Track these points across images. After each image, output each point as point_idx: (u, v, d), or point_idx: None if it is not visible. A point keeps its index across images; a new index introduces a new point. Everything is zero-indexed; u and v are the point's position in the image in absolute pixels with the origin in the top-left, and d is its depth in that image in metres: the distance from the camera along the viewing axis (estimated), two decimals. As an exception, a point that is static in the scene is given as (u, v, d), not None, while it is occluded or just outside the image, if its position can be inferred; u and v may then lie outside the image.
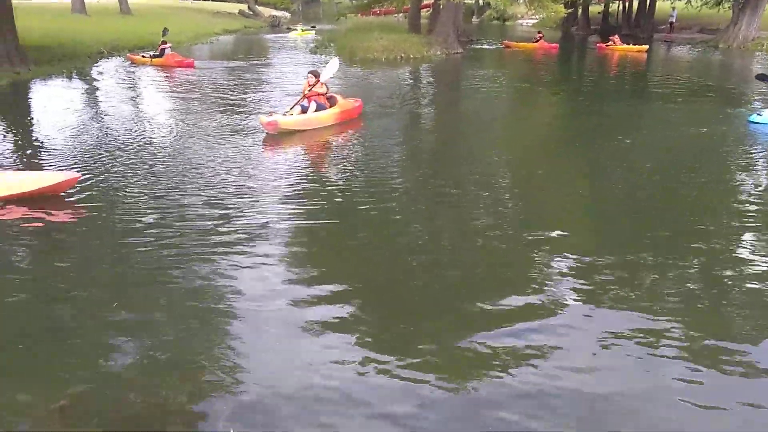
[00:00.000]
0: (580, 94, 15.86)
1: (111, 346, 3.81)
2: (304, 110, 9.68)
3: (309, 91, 9.91)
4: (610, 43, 26.64)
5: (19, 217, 5.83)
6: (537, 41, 27.47)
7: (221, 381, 3.50)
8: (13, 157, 8.28)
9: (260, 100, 13.31)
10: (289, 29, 38.44)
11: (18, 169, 7.05)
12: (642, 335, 4.01)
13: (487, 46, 29.70)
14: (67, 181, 6.28)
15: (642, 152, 9.14)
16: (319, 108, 9.77)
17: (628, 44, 26.69)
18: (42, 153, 8.51)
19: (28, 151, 8.68)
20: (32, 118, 11.54)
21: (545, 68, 22.04)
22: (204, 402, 3.33)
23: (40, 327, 4.07)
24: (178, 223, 5.74)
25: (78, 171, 6.84)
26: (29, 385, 3.46)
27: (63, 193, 6.33)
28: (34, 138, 9.63)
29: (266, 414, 3.24)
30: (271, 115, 9.28)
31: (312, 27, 38.02)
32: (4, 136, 9.68)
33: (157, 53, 19.34)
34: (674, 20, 34.64)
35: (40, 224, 5.73)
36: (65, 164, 7.77)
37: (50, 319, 4.17)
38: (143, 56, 19.61)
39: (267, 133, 9.22)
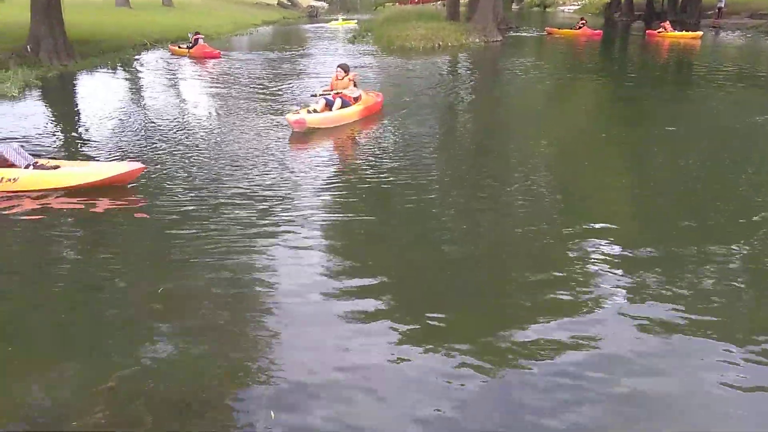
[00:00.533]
0: (624, 82, 15.41)
1: (156, 330, 3.91)
2: (329, 105, 9.49)
3: (336, 85, 9.77)
4: (660, 29, 25.58)
5: (74, 207, 6.02)
6: (579, 28, 26.83)
7: (260, 367, 3.55)
8: (62, 147, 8.55)
9: (296, 90, 13.39)
10: (331, 19, 38.30)
11: (66, 159, 7.23)
12: (686, 330, 3.89)
13: (527, 34, 29.22)
14: (134, 172, 6.37)
15: (690, 141, 8.86)
16: (345, 104, 9.57)
17: (680, 30, 25.58)
18: (87, 142, 8.77)
19: (75, 141, 8.96)
20: (78, 109, 11.92)
21: (588, 56, 21.49)
22: (244, 386, 3.39)
23: (90, 311, 4.20)
24: (218, 213, 5.83)
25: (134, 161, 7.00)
26: (81, 365, 3.58)
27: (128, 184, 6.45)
28: (79, 128, 9.94)
29: (303, 400, 3.27)
30: (297, 113, 9.11)
31: (346, 17, 37.98)
32: (54, 126, 10.00)
33: (191, 44, 20.01)
34: (723, 5, 33.36)
35: (92, 213, 5.90)
36: (111, 154, 7.99)
37: (100, 303, 4.30)
38: (179, 47, 20.28)
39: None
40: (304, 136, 8.90)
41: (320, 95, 9.66)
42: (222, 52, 20.07)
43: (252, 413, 3.17)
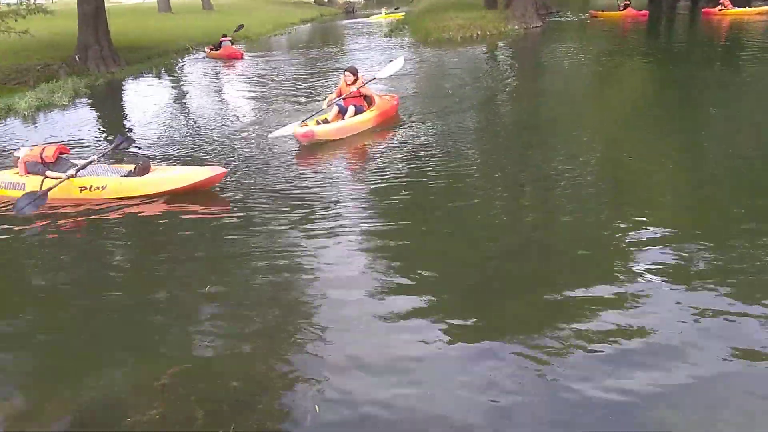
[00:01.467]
0: (672, 64, 14.92)
1: (206, 327, 4.01)
2: (342, 112, 8.73)
3: (348, 91, 8.97)
4: (719, 6, 23.96)
5: (147, 213, 6.22)
6: (623, 8, 26.00)
7: (307, 363, 3.60)
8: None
9: (330, 85, 13.45)
10: (372, 14, 38.02)
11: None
12: (737, 326, 3.75)
13: (569, 18, 28.54)
14: (217, 176, 6.40)
15: (745, 125, 8.52)
16: (358, 111, 8.80)
17: (743, 7, 23.82)
18: (137, 145, 9.02)
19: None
20: (125, 115, 12.30)
21: (633, 39, 20.76)
22: (292, 382, 3.44)
23: (143, 310, 4.33)
24: (266, 213, 5.94)
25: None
26: (136, 363, 3.71)
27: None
28: (127, 133, 10.21)
29: (348, 394, 3.30)
30: (305, 125, 8.27)
31: (396, 8, 37.62)
32: (103, 133, 10.33)
33: (216, 46, 20.71)
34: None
35: (171, 216, 6.08)
36: (158, 159, 8.20)
37: (154, 303, 4.43)
38: (211, 50, 20.93)
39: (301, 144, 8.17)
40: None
41: (334, 102, 8.90)
42: (264, 52, 20.51)
43: (300, 408, 3.22)
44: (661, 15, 28.58)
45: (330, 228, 5.44)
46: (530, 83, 13.05)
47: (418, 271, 4.60)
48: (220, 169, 6.49)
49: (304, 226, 5.52)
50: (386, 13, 35.51)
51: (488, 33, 21.71)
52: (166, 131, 9.96)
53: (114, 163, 7.14)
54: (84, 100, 13.41)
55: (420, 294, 4.26)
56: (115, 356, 3.81)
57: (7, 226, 5.93)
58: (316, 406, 3.19)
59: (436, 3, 30.00)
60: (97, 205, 6.29)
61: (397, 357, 3.58)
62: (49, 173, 6.46)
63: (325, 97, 9.43)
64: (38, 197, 6.08)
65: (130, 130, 10.44)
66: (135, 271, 5.02)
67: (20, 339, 4.08)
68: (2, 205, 6.49)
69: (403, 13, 34.72)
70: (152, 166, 6.64)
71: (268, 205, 6.12)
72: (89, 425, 3.23)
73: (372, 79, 9.41)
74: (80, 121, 11.11)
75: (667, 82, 12.52)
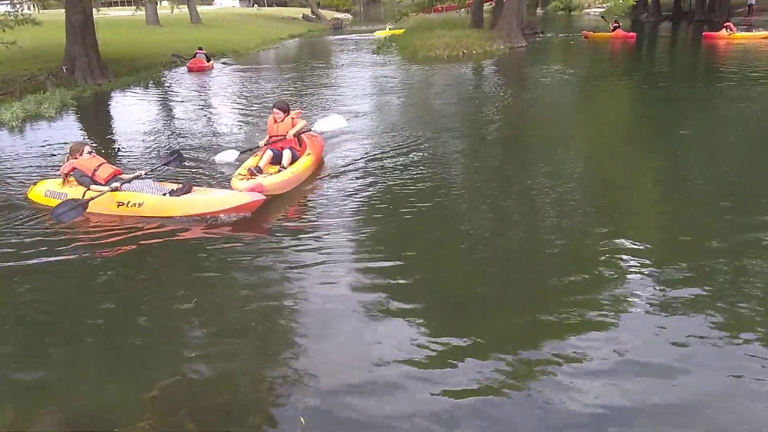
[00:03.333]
0: (659, 87, 15.26)
1: (195, 341, 4.06)
2: (277, 159, 7.47)
3: (276, 129, 7.77)
4: (723, 30, 23.75)
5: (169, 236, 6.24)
6: (613, 30, 26.61)
7: (295, 373, 3.67)
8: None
9: (318, 102, 13.59)
10: (377, 29, 37.91)
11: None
12: (720, 339, 3.90)
13: (552, 38, 29.03)
14: (255, 202, 6.13)
15: (723, 147, 8.77)
16: (295, 157, 7.53)
17: (749, 31, 23.87)
18: (120, 161, 9.05)
19: (109, 159, 9.24)
20: (112, 128, 12.31)
21: (617, 60, 21.19)
22: (280, 392, 3.52)
23: (133, 326, 4.37)
24: (248, 224, 6.02)
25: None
26: (127, 376, 3.76)
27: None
28: (113, 146, 10.22)
29: (335, 404, 3.39)
30: (251, 177, 6.88)
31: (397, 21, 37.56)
32: (90, 142, 10.26)
33: (189, 58, 21.32)
34: (754, 2, 32.81)
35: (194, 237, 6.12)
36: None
37: (143, 317, 4.47)
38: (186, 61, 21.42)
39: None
40: (338, 149, 8.95)
41: (265, 145, 7.66)
42: (253, 66, 21.02)
43: (286, 420, 3.28)
44: (649, 37, 29.21)
45: (317, 245, 5.52)
46: (514, 102, 13.28)
47: (405, 287, 4.70)
48: (259, 196, 6.19)
49: (292, 243, 5.59)
50: (390, 29, 35.55)
51: (474, 52, 22.07)
52: (152, 144, 10.00)
53: (161, 180, 7.04)
54: (71, 112, 13.40)
55: (407, 309, 4.35)
56: (105, 368, 3.85)
57: (41, 233, 5.94)
58: (302, 418, 3.26)
59: (423, 21, 30.38)
60: (131, 221, 6.19)
61: (383, 371, 3.66)
62: (93, 187, 6.41)
63: (264, 136, 8.09)
64: (77, 206, 6.08)
65: (116, 142, 10.47)
66: (130, 288, 5.04)
67: (12, 349, 4.11)
68: (41, 213, 6.46)
69: (405, 30, 34.96)
70: (193, 187, 6.52)
71: (249, 217, 6.20)
72: (78, 436, 3.26)
73: (307, 130, 8.06)
74: (67, 133, 11.10)
75: (650, 102, 12.83)
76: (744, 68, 16.34)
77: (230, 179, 7.10)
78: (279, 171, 7.21)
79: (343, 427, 3.23)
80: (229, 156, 7.84)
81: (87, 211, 6.21)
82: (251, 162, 7.51)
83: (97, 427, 3.29)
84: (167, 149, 9.42)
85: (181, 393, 3.52)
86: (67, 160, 6.67)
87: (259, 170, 7.17)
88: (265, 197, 6.25)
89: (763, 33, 23.57)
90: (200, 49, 21.44)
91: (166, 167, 7.35)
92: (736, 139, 9.08)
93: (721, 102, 12.07)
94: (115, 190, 6.34)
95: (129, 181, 6.49)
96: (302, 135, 7.92)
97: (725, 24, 24.66)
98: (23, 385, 3.73)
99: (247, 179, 6.83)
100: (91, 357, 3.99)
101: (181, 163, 7.66)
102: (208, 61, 21.25)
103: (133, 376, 3.74)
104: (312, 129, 8.29)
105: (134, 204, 6.30)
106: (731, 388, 3.43)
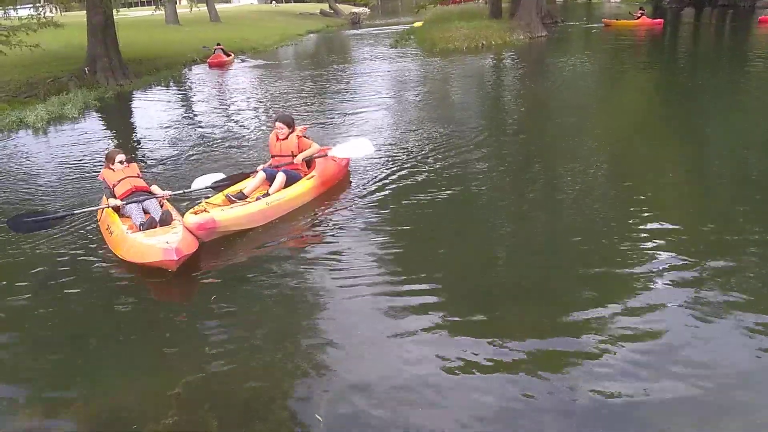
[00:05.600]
0: (684, 75, 14.96)
1: (218, 341, 4.08)
2: (270, 179, 6.43)
3: (279, 148, 6.73)
4: None
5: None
6: (638, 18, 25.84)
7: (313, 375, 3.66)
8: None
9: (335, 103, 13.58)
10: (414, 21, 37.61)
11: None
12: (743, 330, 3.81)
13: (573, 28, 28.62)
14: (167, 261, 4.88)
15: (753, 135, 8.57)
16: (291, 179, 6.45)
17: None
18: (144, 161, 9.14)
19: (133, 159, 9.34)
20: (134, 128, 12.47)
21: (640, 49, 20.75)
22: (301, 390, 3.52)
23: (158, 324, 4.41)
24: (272, 223, 6.01)
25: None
26: (152, 372, 3.80)
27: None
28: (136, 146, 10.32)
29: (355, 401, 3.37)
30: (202, 211, 5.58)
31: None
32: (113, 146, 10.41)
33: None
34: (780, -15, 31.93)
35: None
36: (165, 174, 8.32)
37: (166, 317, 4.52)
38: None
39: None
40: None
41: (261, 168, 6.62)
42: (271, 62, 21.65)
43: (307, 416, 3.28)
44: (667, 24, 28.59)
45: (333, 241, 5.51)
46: (535, 93, 13.13)
47: (426, 282, 4.66)
48: (171, 255, 4.81)
49: (311, 242, 5.60)
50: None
51: (493, 43, 21.84)
52: (167, 145, 10.05)
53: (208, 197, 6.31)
54: (94, 112, 13.58)
55: (428, 305, 4.32)
56: (131, 365, 3.90)
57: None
58: (317, 416, 3.25)
59: (442, 13, 30.20)
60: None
61: (401, 372, 3.62)
62: (111, 200, 5.85)
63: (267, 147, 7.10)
64: (45, 219, 5.65)
65: (139, 143, 10.57)
66: (149, 288, 5.09)
67: (36, 343, 4.19)
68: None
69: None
70: (166, 222, 5.49)
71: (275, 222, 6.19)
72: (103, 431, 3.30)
73: (323, 155, 6.89)
74: (90, 134, 11.25)
75: (676, 91, 12.57)
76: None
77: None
78: (257, 199, 6.05)
79: (361, 426, 3.20)
80: (206, 180, 6.65)
81: (102, 226, 5.77)
82: (238, 187, 6.43)
83: (120, 422, 3.33)
84: (188, 147, 9.47)
85: (204, 390, 3.54)
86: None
87: (242, 196, 6.16)
88: (176, 258, 4.81)
89: None
90: (218, 45, 22.47)
91: (212, 188, 6.52)
92: (764, 128, 8.86)
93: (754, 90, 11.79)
94: (116, 209, 5.77)
95: (131, 202, 5.73)
96: (314, 154, 6.83)
97: None
98: (46, 380, 3.79)
99: (201, 212, 5.54)
100: (115, 356, 4.03)
101: (218, 187, 6.50)
102: (228, 56, 22.28)
103: (156, 374, 3.77)
104: (328, 153, 6.91)
105: (108, 230, 5.58)
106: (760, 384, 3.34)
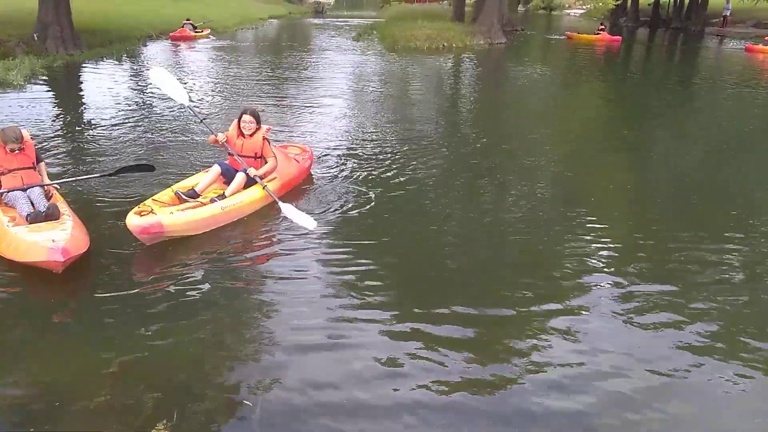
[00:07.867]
0: (633, 89, 15.54)
1: (160, 322, 4.04)
2: (228, 178, 5.87)
3: (241, 146, 6.03)
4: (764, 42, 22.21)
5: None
6: (598, 33, 26.58)
7: (253, 364, 3.72)
8: (64, 141, 8.67)
9: (296, 93, 13.51)
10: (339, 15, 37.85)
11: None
12: (677, 326, 4.12)
13: (532, 36, 29.23)
14: (51, 262, 4.34)
15: (694, 149, 9.06)
16: (251, 181, 5.87)
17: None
18: (89, 137, 8.88)
19: (77, 135, 9.06)
20: (82, 101, 11.99)
21: (596, 63, 21.29)
22: (237, 378, 3.54)
23: (95, 304, 4.35)
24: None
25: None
26: (84, 352, 3.74)
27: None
28: (81, 121, 9.95)
29: (297, 396, 3.41)
30: (148, 212, 5.02)
31: None
32: (56, 119, 9.99)
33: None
34: (728, 13, 33.45)
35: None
36: (114, 151, 8.12)
37: (107, 296, 4.45)
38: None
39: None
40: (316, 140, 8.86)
41: (217, 161, 6.07)
42: (232, 43, 22.00)
43: (241, 404, 3.31)
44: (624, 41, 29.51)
45: (294, 248, 5.30)
46: (490, 98, 13.41)
47: (372, 283, 4.68)
48: (57, 256, 4.28)
49: (263, 241, 5.50)
50: None
51: (454, 45, 22.15)
52: (114, 122, 9.67)
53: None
54: (40, 81, 13.06)
55: (374, 298, 4.42)
56: (64, 343, 3.83)
57: None
58: (251, 403, 3.28)
59: (406, 11, 30.35)
60: None
61: (340, 371, 3.62)
62: None
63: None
64: None
65: (81, 116, 10.23)
66: (98, 267, 4.98)
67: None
68: None
69: None
70: (62, 214, 4.92)
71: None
72: (34, 409, 3.24)
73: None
74: (34, 104, 10.79)
75: (626, 105, 13.09)
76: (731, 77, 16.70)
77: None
78: (211, 200, 5.50)
79: (300, 416, 3.24)
80: (175, 93, 6.17)
81: None
82: (190, 181, 5.89)
83: (53, 399, 3.27)
84: (134, 124, 9.22)
85: (141, 371, 3.53)
86: None
87: (194, 194, 5.58)
88: (62, 260, 4.30)
89: None
90: (188, 20, 23.29)
91: (119, 175, 5.87)
92: (708, 143, 9.37)
93: (704, 107, 12.39)
94: None
95: (23, 189, 5.07)
96: (276, 148, 6.35)
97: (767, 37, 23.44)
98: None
99: (146, 213, 4.98)
100: (48, 332, 3.97)
101: (136, 171, 6.03)
102: (200, 32, 23.55)
103: (93, 352, 3.71)
104: (281, 209, 5.52)
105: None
106: (697, 382, 3.58)
